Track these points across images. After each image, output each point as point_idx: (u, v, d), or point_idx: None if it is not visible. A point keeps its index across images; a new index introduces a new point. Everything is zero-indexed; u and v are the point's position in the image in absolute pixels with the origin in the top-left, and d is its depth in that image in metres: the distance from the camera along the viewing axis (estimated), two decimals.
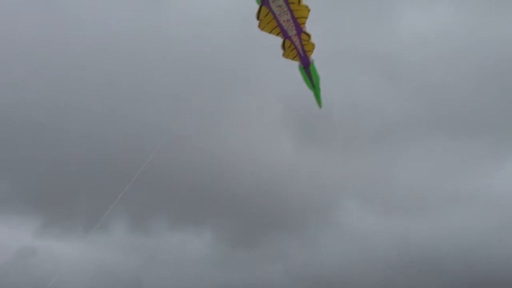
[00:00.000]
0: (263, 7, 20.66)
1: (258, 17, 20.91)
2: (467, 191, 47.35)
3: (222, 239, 49.52)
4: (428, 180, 48.22)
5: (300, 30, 21.13)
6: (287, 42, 21.37)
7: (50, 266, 44.19)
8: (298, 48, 21.43)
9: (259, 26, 21.10)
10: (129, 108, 38.82)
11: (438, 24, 47.74)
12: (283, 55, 21.73)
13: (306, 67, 21.91)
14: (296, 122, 43.01)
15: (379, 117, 47.44)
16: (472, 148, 48.70)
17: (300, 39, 21.30)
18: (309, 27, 21.96)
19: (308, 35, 21.32)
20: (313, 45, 21.59)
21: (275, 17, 20.84)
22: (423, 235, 46.77)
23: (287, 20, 20.90)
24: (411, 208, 48.24)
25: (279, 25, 20.98)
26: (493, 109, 48.22)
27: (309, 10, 20.94)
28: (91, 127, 39.41)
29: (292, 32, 21.12)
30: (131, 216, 46.26)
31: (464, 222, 46.73)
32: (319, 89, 22.18)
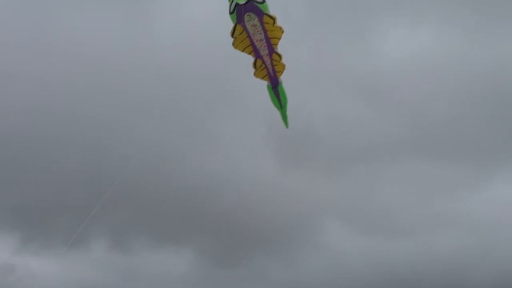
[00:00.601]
0: (238, 25, 20.92)
1: (232, 35, 21.18)
2: (448, 213, 47.54)
3: (203, 258, 49.34)
4: (410, 201, 48.39)
5: (272, 50, 21.40)
6: (259, 62, 21.67)
7: (29, 283, 43.80)
8: (269, 67, 21.65)
9: (233, 44, 21.37)
10: (109, 123, 38.70)
11: (422, 44, 48.12)
12: (254, 74, 22.02)
13: (275, 87, 22.10)
14: (279, 140, 42.99)
15: (362, 137, 47.58)
16: (454, 170, 48.92)
17: (271, 59, 21.53)
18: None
19: (279, 56, 21.55)
20: (283, 66, 21.80)
21: (248, 36, 21.10)
22: (405, 255, 46.88)
23: (260, 40, 21.16)
24: (393, 228, 48.35)
25: (252, 44, 21.25)
26: (475, 132, 48.61)
27: (282, 32, 21.20)
28: (71, 140, 39.21)
29: (264, 51, 21.40)
30: (111, 233, 45.99)
31: (445, 243, 46.93)
32: (286, 110, 22.38)
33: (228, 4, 20.87)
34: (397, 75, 46.92)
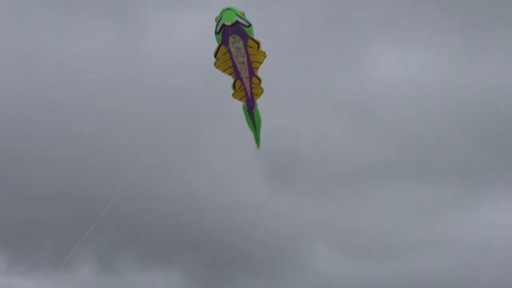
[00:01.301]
0: (222, 46, 21.12)
1: (215, 55, 21.43)
2: (435, 236, 47.64)
3: (191, 279, 49.08)
4: (397, 225, 48.39)
5: (252, 73, 21.76)
6: (238, 83, 22.08)
7: None
8: (247, 90, 22.04)
9: (214, 63, 21.67)
10: (97, 141, 38.65)
11: (409, 68, 48.54)
12: (232, 95, 22.43)
13: (250, 110, 22.54)
14: (267, 164, 43.06)
15: (349, 161, 47.74)
16: (442, 194, 49.11)
17: (251, 82, 21.90)
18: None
19: (259, 80, 21.93)
20: (261, 90, 22.22)
21: (231, 58, 21.36)
22: (392, 278, 46.81)
23: (242, 63, 21.46)
24: (381, 251, 48.32)
25: (234, 65, 21.56)
26: (463, 156, 48.84)
27: (265, 56, 21.53)
28: (58, 161, 39.07)
29: (244, 74, 21.75)
30: (99, 255, 45.68)
31: (432, 266, 46.91)
32: (259, 132, 22.92)
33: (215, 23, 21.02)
34: (385, 98, 47.39)
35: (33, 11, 46.17)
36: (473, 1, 48.77)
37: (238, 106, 25.22)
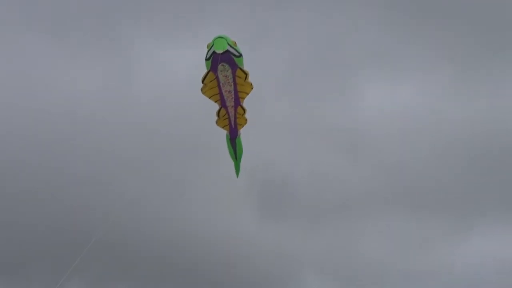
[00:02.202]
0: (210, 73, 21.45)
1: (203, 81, 21.75)
2: (427, 267, 47.67)
3: None
4: (389, 255, 48.43)
5: (238, 103, 22.15)
6: (223, 111, 22.45)
7: None
8: (231, 119, 22.46)
9: (201, 89, 22.01)
10: (88, 173, 38.71)
11: (401, 100, 48.89)
12: (216, 122, 22.83)
13: (233, 139, 22.90)
14: (259, 194, 43.19)
15: (341, 191, 47.85)
16: (431, 225, 49.28)
17: (235, 112, 22.32)
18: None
19: (244, 110, 22.38)
20: (245, 120, 22.66)
21: (218, 85, 21.68)
22: None
23: (229, 91, 21.82)
24: (371, 282, 48.27)
25: (220, 93, 21.90)
26: (453, 186, 49.05)
27: (252, 88, 21.94)
28: (48, 192, 39.08)
29: (230, 103, 22.10)
30: (89, 283, 45.41)
31: None
32: (240, 162, 23.35)
33: (206, 50, 21.28)
34: (376, 130, 47.64)
35: (25, 47, 46.55)
36: (461, 34, 49.43)
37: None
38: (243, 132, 23.06)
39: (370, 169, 48.48)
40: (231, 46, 20.82)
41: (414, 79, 50.09)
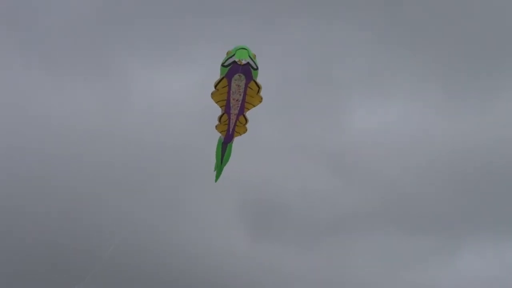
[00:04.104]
0: (224, 79, 21.51)
1: (216, 86, 21.81)
2: (417, 286, 47.77)
3: None
4: (379, 274, 48.53)
5: (242, 112, 22.38)
6: (225, 117, 22.57)
7: None
8: (230, 125, 22.64)
9: (212, 93, 22.10)
10: (87, 197, 38.82)
11: (390, 123, 49.39)
12: (216, 126, 23.02)
13: (226, 143, 23.13)
14: (251, 213, 43.37)
15: (332, 210, 48.09)
16: (423, 243, 49.55)
17: (237, 119, 22.53)
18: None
19: (246, 120, 22.62)
20: (245, 130, 22.94)
21: (228, 92, 21.78)
22: None
23: (237, 100, 21.99)
24: None
25: (228, 100, 22.02)
26: (443, 205, 49.36)
27: (260, 101, 22.22)
28: (50, 215, 39.22)
29: (234, 110, 22.29)
30: None
31: None
32: (223, 167, 23.67)
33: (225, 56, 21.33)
34: (366, 149, 47.99)
35: (21, 71, 46.85)
36: (449, 54, 50.08)
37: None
38: (238, 143, 23.40)
39: (360, 189, 48.84)
40: (251, 59, 20.98)
41: (403, 99, 50.73)
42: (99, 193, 38.37)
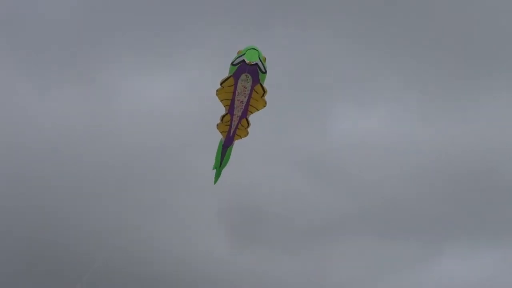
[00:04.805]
0: (231, 78, 21.35)
1: (221, 84, 21.59)
2: None
3: None
4: (361, 279, 48.64)
5: (245, 115, 22.20)
6: (227, 117, 22.34)
7: None
8: (232, 127, 22.45)
9: (217, 90, 21.85)
10: (72, 200, 38.61)
11: (372, 128, 49.56)
12: (217, 125, 22.77)
13: (226, 146, 22.98)
14: (232, 219, 43.19)
15: (313, 217, 48.06)
16: (403, 249, 49.72)
17: (239, 122, 22.35)
18: (250, 128, 22.72)
19: (248, 123, 22.47)
20: (246, 133, 22.83)
21: (234, 92, 21.59)
22: None
23: (241, 101, 21.81)
24: None
25: (232, 100, 21.81)
26: (423, 210, 49.59)
27: (264, 106, 22.08)
28: (34, 218, 38.92)
29: (237, 112, 22.10)
30: None
31: None
32: (222, 169, 23.50)
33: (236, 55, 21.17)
34: (348, 154, 48.11)
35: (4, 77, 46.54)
36: (430, 61, 50.42)
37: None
38: (239, 147, 23.26)
39: (342, 194, 48.88)
40: (260, 61, 20.84)
41: (384, 105, 50.91)
42: (84, 196, 38.22)
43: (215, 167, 23.81)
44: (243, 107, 21.91)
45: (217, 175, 23.84)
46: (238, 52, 21.04)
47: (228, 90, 21.65)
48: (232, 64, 21.14)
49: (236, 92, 21.54)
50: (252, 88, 21.39)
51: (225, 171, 24.50)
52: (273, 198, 45.48)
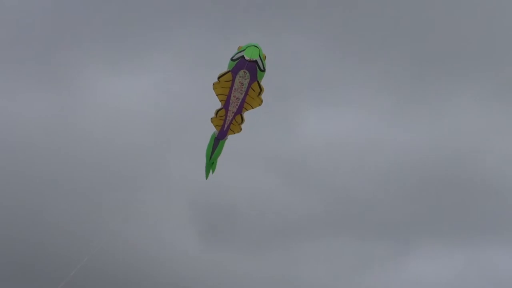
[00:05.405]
0: (229, 73, 21.15)
1: (219, 78, 21.37)
2: None
3: None
4: (331, 279, 48.84)
5: (239, 111, 22.04)
6: (222, 112, 22.08)
7: None
8: (226, 122, 22.25)
9: (214, 84, 21.60)
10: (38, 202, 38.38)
11: (342, 129, 49.81)
12: (211, 119, 22.45)
13: (218, 139, 22.85)
14: (201, 219, 43.15)
15: (283, 216, 48.21)
16: (372, 249, 50.10)
17: (233, 118, 22.17)
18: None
19: (242, 119, 22.34)
20: (239, 129, 22.69)
21: (230, 88, 21.43)
22: None
23: (237, 98, 21.63)
24: None
25: (229, 95, 21.62)
26: (393, 211, 50.03)
27: (260, 104, 22.02)
28: None
29: (233, 108, 21.89)
30: None
31: None
32: (212, 163, 23.32)
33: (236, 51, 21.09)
34: (318, 157, 48.30)
35: None
36: (402, 63, 50.91)
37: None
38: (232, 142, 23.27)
39: (312, 195, 49.08)
40: (260, 58, 20.76)
41: (357, 107, 51.27)
42: (54, 196, 38.03)
43: (207, 167, 23.68)
44: (239, 103, 21.81)
45: (208, 169, 23.63)
46: (238, 48, 20.96)
47: (225, 85, 21.48)
48: (232, 59, 21.02)
49: (233, 88, 21.40)
50: (249, 86, 21.33)
51: (194, 170, 24.46)
52: (242, 199, 45.62)
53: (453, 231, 50.72)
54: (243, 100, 21.73)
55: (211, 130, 22.83)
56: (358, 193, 49.13)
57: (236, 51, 21.03)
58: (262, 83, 21.46)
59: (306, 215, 48.42)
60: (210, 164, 23.55)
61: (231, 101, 21.74)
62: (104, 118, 40.99)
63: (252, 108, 22.17)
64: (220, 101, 21.96)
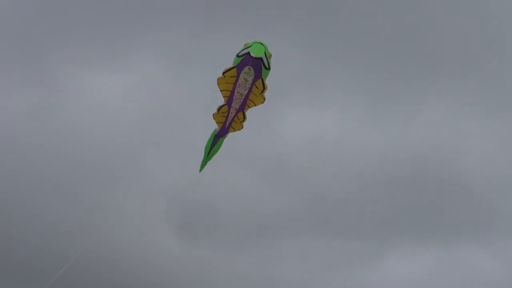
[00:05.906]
0: (234, 69, 21.31)
1: (224, 73, 21.49)
2: None
3: None
4: (306, 278, 49.13)
5: (242, 108, 22.26)
6: (225, 108, 22.23)
7: None
8: (228, 119, 22.42)
9: (218, 79, 21.69)
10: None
11: (320, 128, 50.25)
12: (213, 115, 22.61)
13: (219, 136, 23.05)
14: (179, 217, 43.26)
15: (260, 214, 48.42)
16: (348, 248, 50.54)
17: (235, 115, 22.36)
18: (199, 127, 22.93)
19: (244, 117, 22.56)
20: (240, 126, 22.87)
21: (235, 84, 21.58)
22: None
23: (241, 94, 21.83)
24: None
25: (232, 91, 21.77)
26: (369, 210, 50.48)
27: (262, 102, 22.23)
28: None
29: (235, 105, 22.10)
30: None
31: None
32: (209, 158, 23.45)
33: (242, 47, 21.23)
34: (296, 156, 48.59)
35: None
36: (379, 63, 51.37)
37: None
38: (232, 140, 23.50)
39: (290, 194, 49.39)
40: (266, 56, 20.94)
41: (334, 106, 51.62)
42: (27, 197, 37.95)
43: (203, 161, 23.82)
44: (242, 100, 21.93)
45: (204, 163, 23.74)
46: (245, 45, 21.11)
47: (229, 81, 21.57)
48: (237, 55, 21.16)
49: (237, 84, 21.51)
50: (254, 83, 21.46)
51: (173, 169, 24.66)
52: (220, 197, 45.75)
53: (427, 230, 51.35)
54: (247, 97, 21.89)
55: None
56: (334, 193, 49.49)
57: (242, 47, 21.23)
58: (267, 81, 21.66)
59: (284, 214, 48.72)
60: (207, 160, 23.70)
61: (234, 97, 21.84)
62: (85, 116, 41.03)
63: (255, 105, 22.30)
64: (224, 97, 22.05)
